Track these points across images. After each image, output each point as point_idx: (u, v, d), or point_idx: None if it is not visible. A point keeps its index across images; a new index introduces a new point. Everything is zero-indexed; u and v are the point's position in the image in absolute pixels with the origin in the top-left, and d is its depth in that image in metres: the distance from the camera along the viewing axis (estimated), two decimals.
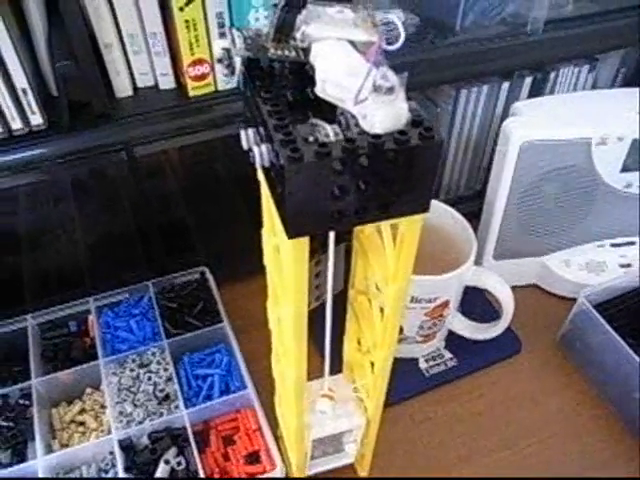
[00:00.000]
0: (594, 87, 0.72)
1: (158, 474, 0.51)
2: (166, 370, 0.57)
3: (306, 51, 0.31)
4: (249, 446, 0.54)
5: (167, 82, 0.57)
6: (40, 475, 0.50)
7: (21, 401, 0.55)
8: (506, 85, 0.68)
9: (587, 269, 0.67)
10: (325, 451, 0.52)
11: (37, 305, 0.61)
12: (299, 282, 0.31)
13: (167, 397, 0.56)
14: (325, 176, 0.27)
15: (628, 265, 0.67)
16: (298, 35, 0.31)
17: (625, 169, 0.62)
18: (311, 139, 0.27)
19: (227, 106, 0.58)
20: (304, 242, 0.30)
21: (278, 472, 0.51)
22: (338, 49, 0.29)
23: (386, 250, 0.35)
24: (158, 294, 0.64)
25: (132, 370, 0.57)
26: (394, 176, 0.28)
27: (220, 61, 0.32)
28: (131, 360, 0.57)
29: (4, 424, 0.53)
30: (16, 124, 0.52)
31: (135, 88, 0.57)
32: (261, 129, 0.30)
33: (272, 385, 0.50)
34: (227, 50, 0.32)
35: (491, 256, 0.67)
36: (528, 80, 0.68)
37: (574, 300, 0.67)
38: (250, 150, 0.30)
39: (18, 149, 0.52)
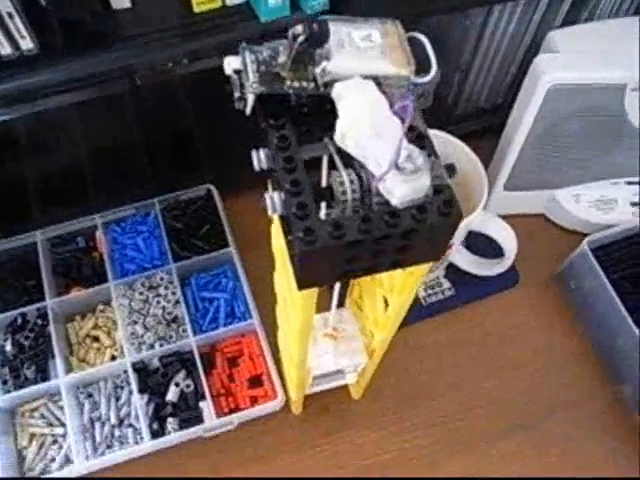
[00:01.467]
0: None
1: (169, 396, 0.55)
2: (174, 294, 0.59)
3: (327, 84, 0.28)
4: (252, 370, 0.58)
5: None
6: (62, 390, 0.55)
7: (39, 321, 0.58)
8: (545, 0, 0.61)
9: (596, 206, 0.66)
10: (325, 375, 0.52)
11: (44, 221, 0.61)
12: (306, 325, 0.32)
13: (175, 319, 0.59)
14: (338, 251, 0.26)
15: (638, 204, 0.66)
16: (318, 70, 0.27)
17: None
18: (323, 215, 0.25)
19: (235, 27, 0.53)
20: (313, 291, 0.30)
21: (278, 402, 0.56)
22: (363, 98, 0.26)
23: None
24: (164, 210, 0.64)
25: (141, 293, 0.59)
26: (408, 244, 0.27)
27: (229, 82, 0.29)
28: (140, 283, 0.60)
29: (26, 343, 0.56)
30: (5, 50, 0.48)
31: None
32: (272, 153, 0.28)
33: (273, 305, 0.51)
34: (238, 73, 0.29)
35: (501, 186, 0.66)
36: None
37: (579, 234, 0.68)
38: (262, 196, 0.28)
39: (8, 77, 0.49)
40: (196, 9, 0.52)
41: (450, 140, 0.58)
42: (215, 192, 0.65)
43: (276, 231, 0.37)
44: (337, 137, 0.27)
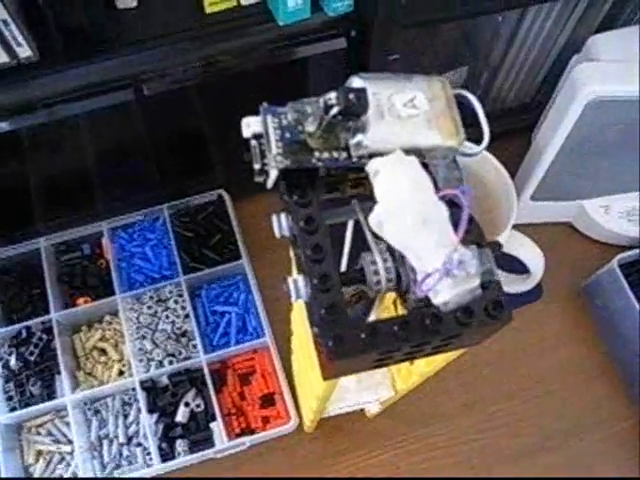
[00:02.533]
0: None
1: (179, 417, 0.54)
2: (183, 308, 0.57)
3: (363, 156, 0.25)
4: (264, 388, 0.56)
5: None
6: (69, 407, 0.53)
7: (44, 336, 0.55)
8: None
9: (626, 218, 0.63)
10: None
11: (48, 227, 0.59)
12: (327, 394, 0.29)
13: (185, 334, 0.57)
14: (370, 356, 0.23)
15: None
16: (352, 142, 0.24)
17: None
18: (362, 334, 0.22)
19: (251, 30, 0.48)
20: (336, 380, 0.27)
21: (291, 425, 0.54)
22: (404, 180, 0.23)
23: None
24: (173, 217, 0.61)
25: (150, 307, 0.57)
26: (447, 344, 0.24)
27: (247, 149, 0.25)
28: (148, 297, 0.57)
29: (31, 358, 0.55)
30: (1, 58, 0.44)
31: None
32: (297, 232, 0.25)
33: (288, 320, 0.46)
34: (258, 139, 0.25)
35: (529, 197, 0.62)
36: None
37: (606, 245, 0.65)
38: (284, 280, 0.25)
39: (5, 87, 0.45)
40: (208, 9, 0.48)
41: (485, 157, 0.54)
42: (227, 197, 0.61)
43: (298, 313, 0.34)
44: (373, 222, 0.24)
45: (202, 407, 0.54)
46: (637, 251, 0.58)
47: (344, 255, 0.28)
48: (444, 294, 0.22)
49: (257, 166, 0.25)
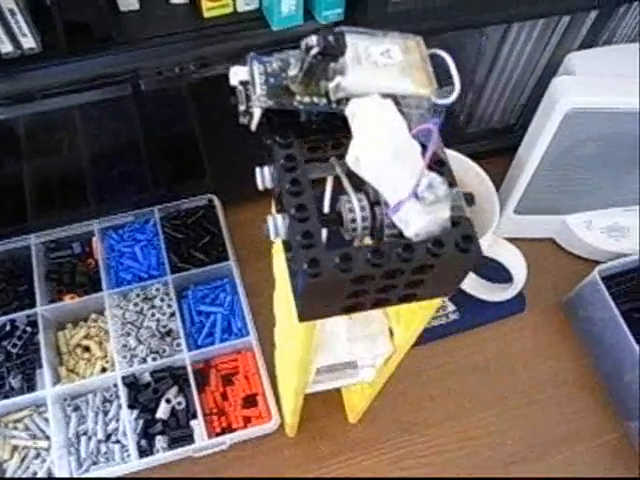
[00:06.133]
0: None
1: (159, 413, 0.53)
2: (169, 306, 0.57)
3: (340, 101, 0.26)
4: (247, 389, 0.56)
5: None
6: (49, 402, 0.53)
7: (28, 328, 0.55)
8: (566, 20, 0.59)
9: (608, 233, 0.64)
10: (334, 369, 0.41)
11: (40, 225, 0.59)
12: (306, 356, 0.30)
13: (169, 333, 0.57)
14: (343, 285, 0.24)
15: None
16: (332, 86, 0.26)
17: None
18: (336, 258, 0.23)
19: (246, 34, 0.51)
20: (314, 324, 0.28)
21: (272, 424, 0.53)
22: (380, 119, 0.25)
23: None
24: (163, 220, 0.62)
25: (136, 304, 0.57)
26: (421, 279, 0.25)
27: (234, 93, 0.27)
28: (135, 294, 0.58)
29: (13, 351, 0.54)
30: (5, 47, 0.46)
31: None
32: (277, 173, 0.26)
33: (272, 324, 0.48)
34: (244, 85, 0.27)
35: (512, 210, 0.64)
36: (592, 15, 0.59)
37: (589, 261, 0.66)
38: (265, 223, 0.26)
39: (7, 76, 0.47)
40: (206, 14, 0.51)
41: (461, 159, 0.56)
42: (217, 202, 0.63)
43: (277, 255, 0.35)
44: (349, 160, 0.25)
45: (183, 405, 0.54)
46: (617, 261, 0.59)
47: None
48: (415, 223, 0.24)
49: (242, 107, 0.26)
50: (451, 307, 0.63)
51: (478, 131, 0.72)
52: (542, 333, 0.63)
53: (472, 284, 0.61)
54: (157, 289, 0.58)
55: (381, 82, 0.25)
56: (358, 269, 0.23)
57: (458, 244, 0.24)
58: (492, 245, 0.55)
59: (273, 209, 0.28)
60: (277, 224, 0.26)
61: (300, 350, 0.30)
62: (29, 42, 0.47)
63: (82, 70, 0.48)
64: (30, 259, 0.58)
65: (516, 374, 0.61)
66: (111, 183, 0.60)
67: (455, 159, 0.55)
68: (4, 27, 0.45)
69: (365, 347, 0.37)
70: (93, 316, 0.59)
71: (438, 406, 0.59)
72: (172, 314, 0.57)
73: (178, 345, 0.56)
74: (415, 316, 0.31)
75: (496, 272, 0.61)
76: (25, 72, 0.47)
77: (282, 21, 0.50)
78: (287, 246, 0.26)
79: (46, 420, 0.54)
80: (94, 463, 0.53)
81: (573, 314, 0.63)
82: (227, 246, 0.60)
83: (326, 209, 0.27)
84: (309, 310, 0.26)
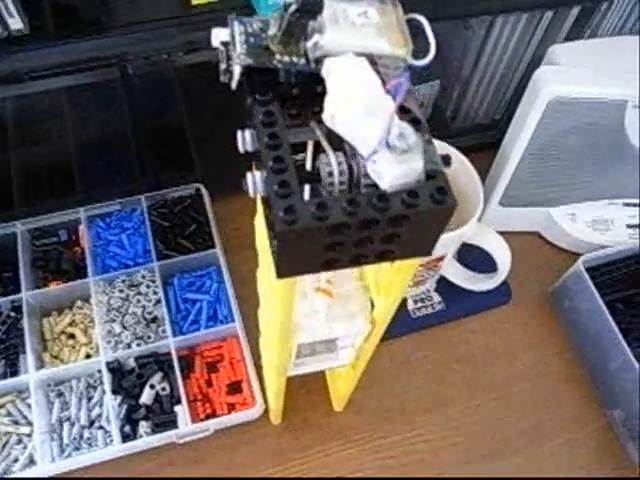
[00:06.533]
0: None
1: (143, 398, 0.53)
2: (155, 293, 0.57)
3: (319, 60, 0.27)
4: (232, 375, 0.56)
5: None
6: (31, 387, 0.52)
7: (12, 314, 0.55)
8: (549, 15, 0.60)
9: (592, 226, 0.65)
10: (314, 349, 0.43)
11: (27, 212, 0.59)
12: (285, 319, 0.30)
13: (155, 319, 0.57)
14: (320, 235, 0.24)
15: (635, 226, 0.65)
16: (310, 44, 0.26)
17: None
18: (312, 207, 0.24)
19: None
20: (293, 281, 0.28)
21: (257, 409, 0.53)
22: (355, 76, 0.25)
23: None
24: (151, 208, 0.62)
25: (121, 291, 0.57)
26: (397, 233, 0.26)
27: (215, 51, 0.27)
28: (121, 281, 0.58)
29: None
30: None
31: None
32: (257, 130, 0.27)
33: (258, 313, 0.49)
34: (226, 46, 0.27)
35: (497, 202, 0.65)
36: (575, 11, 0.60)
37: (574, 254, 0.66)
38: (244, 176, 0.27)
39: None
40: (194, 1, 0.51)
41: (445, 148, 0.56)
42: (204, 192, 0.63)
43: (259, 222, 0.36)
44: (326, 116, 0.26)
45: (168, 391, 0.54)
46: (602, 252, 0.60)
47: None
48: (388, 174, 0.24)
49: (223, 66, 0.27)
50: (437, 298, 0.64)
51: (464, 126, 0.73)
52: (527, 324, 0.64)
53: (457, 274, 0.62)
54: (143, 276, 0.58)
55: (358, 41, 0.26)
56: (334, 217, 0.24)
57: (433, 196, 0.24)
58: (476, 233, 0.55)
59: (254, 169, 0.29)
60: (256, 180, 0.26)
61: (280, 314, 0.30)
62: (16, 23, 0.47)
63: (69, 53, 0.49)
64: (16, 246, 0.58)
65: (501, 364, 0.61)
66: (99, 171, 0.61)
67: (439, 147, 0.56)
68: None
69: (344, 326, 0.38)
70: (78, 303, 0.58)
71: (423, 396, 0.59)
72: (158, 301, 0.57)
73: (163, 331, 0.56)
74: (394, 283, 0.31)
75: (481, 263, 0.61)
76: (12, 53, 0.48)
77: (269, 8, 0.51)
78: (266, 202, 0.26)
79: (29, 406, 0.53)
80: (76, 449, 0.52)
81: (558, 305, 0.64)
82: (213, 234, 0.60)
83: (308, 168, 0.28)
84: (287, 264, 0.26)
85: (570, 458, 0.57)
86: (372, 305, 0.38)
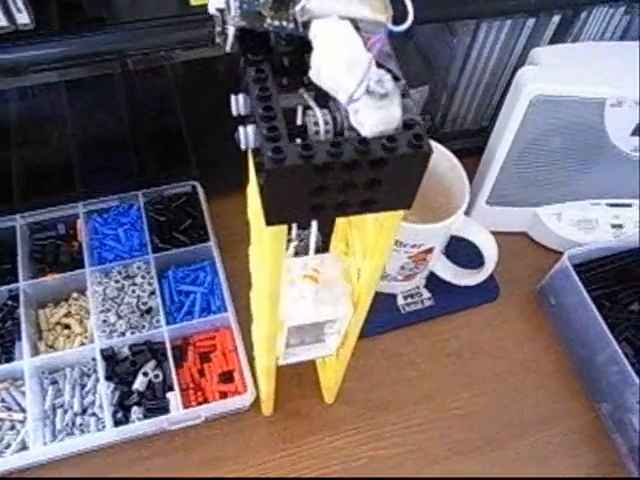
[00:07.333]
0: (625, 33, 0.68)
1: (136, 385, 0.54)
2: (150, 284, 0.59)
3: (306, 24, 0.29)
4: (224, 365, 0.57)
5: None
6: (26, 374, 0.53)
7: (9, 302, 0.56)
8: (531, 22, 0.63)
9: (578, 226, 0.67)
10: (303, 339, 0.46)
11: (25, 206, 0.61)
12: (275, 267, 0.31)
13: (149, 310, 0.58)
14: (306, 175, 0.26)
15: (619, 226, 0.67)
16: (297, 9, 0.28)
17: (635, 133, 0.59)
18: (299, 148, 0.25)
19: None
20: (282, 229, 0.30)
21: (248, 396, 0.54)
22: (338, 34, 0.27)
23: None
24: (148, 204, 0.64)
25: (117, 281, 0.58)
26: (378, 178, 0.27)
27: (211, 19, 0.30)
28: (117, 271, 0.59)
29: None
30: (1, 22, 0.49)
31: None
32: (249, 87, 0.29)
33: (251, 307, 0.51)
34: (221, 12, 0.29)
35: (484, 201, 0.67)
36: (556, 19, 0.63)
37: (560, 253, 0.68)
38: (236, 129, 0.29)
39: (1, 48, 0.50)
40: (193, 2, 0.54)
41: (435, 146, 0.58)
42: (200, 189, 0.65)
43: (250, 191, 0.37)
44: (312, 73, 0.28)
45: (160, 378, 0.55)
46: (587, 247, 0.61)
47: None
48: (368, 121, 0.26)
49: (218, 28, 0.29)
50: (426, 294, 0.65)
51: (452, 132, 0.75)
52: (515, 320, 0.65)
53: (446, 270, 0.63)
54: (138, 267, 0.59)
55: (342, 6, 0.28)
56: (318, 157, 0.25)
57: (410, 142, 0.26)
58: (463, 225, 0.57)
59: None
60: (247, 132, 0.28)
61: (269, 261, 0.32)
62: (23, 18, 0.49)
63: (72, 47, 0.51)
64: (15, 239, 0.59)
65: (489, 359, 0.62)
66: (98, 168, 0.62)
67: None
68: (1, 2, 0.48)
69: (330, 309, 0.41)
70: (74, 295, 0.60)
71: (413, 388, 0.60)
72: (152, 292, 0.58)
73: (157, 321, 0.57)
74: (378, 242, 0.33)
75: (470, 261, 0.63)
76: (17, 47, 0.50)
77: None
78: (256, 154, 0.28)
79: (22, 393, 0.54)
80: (69, 435, 0.53)
81: (546, 302, 0.65)
82: (208, 228, 0.62)
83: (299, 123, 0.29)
84: (276, 210, 0.28)
85: (559, 450, 0.58)
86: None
